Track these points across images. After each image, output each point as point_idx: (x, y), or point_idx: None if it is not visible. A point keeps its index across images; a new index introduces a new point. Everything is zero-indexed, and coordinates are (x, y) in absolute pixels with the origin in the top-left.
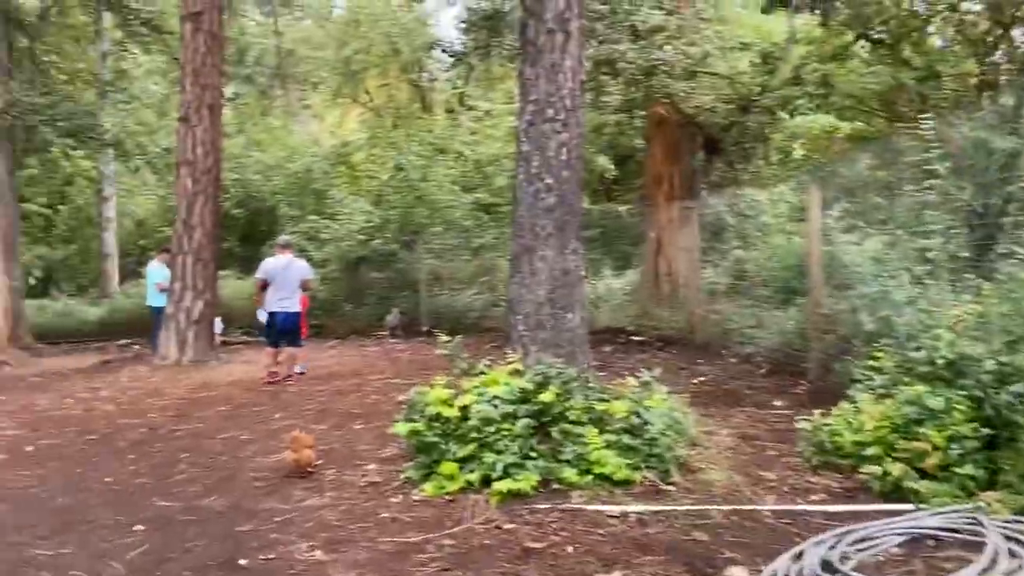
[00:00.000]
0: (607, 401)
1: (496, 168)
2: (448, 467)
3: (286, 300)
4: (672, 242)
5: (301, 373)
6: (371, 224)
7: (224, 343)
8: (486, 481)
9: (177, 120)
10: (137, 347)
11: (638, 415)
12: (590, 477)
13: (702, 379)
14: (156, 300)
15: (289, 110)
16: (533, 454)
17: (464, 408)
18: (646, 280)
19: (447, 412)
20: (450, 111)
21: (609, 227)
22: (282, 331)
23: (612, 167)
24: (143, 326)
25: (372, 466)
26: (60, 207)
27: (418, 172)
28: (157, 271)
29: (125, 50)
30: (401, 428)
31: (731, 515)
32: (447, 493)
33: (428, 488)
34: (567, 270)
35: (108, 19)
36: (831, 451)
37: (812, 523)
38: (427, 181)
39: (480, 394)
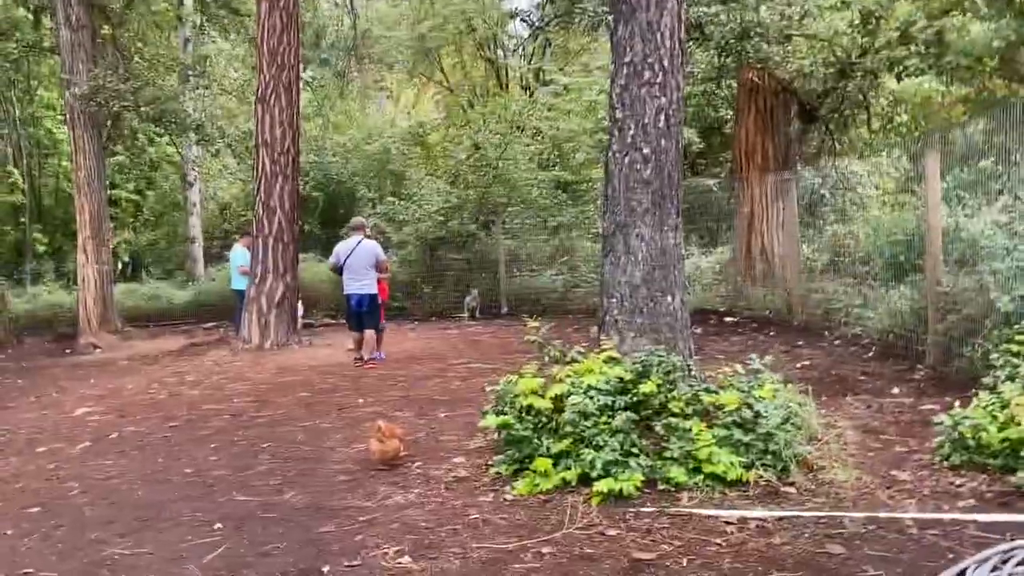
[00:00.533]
0: (714, 392)
1: (574, 145)
2: (542, 463)
3: (358, 281)
4: (766, 217)
5: (378, 359)
6: (449, 205)
7: (306, 326)
8: (584, 479)
9: (254, 101)
10: (222, 330)
11: (750, 406)
12: (700, 477)
13: (806, 363)
14: (239, 283)
15: (365, 91)
16: (635, 450)
17: (557, 399)
18: (738, 258)
19: (539, 404)
20: (526, 88)
21: (695, 203)
22: (358, 313)
23: (698, 140)
24: (228, 309)
25: (459, 459)
26: (148, 192)
27: (495, 151)
28: (240, 254)
29: (204, 32)
30: (490, 420)
31: (868, 523)
32: (541, 492)
33: (520, 486)
34: (666, 248)
35: (189, 5)
36: (974, 449)
37: (966, 535)
38: (504, 159)
39: (574, 384)
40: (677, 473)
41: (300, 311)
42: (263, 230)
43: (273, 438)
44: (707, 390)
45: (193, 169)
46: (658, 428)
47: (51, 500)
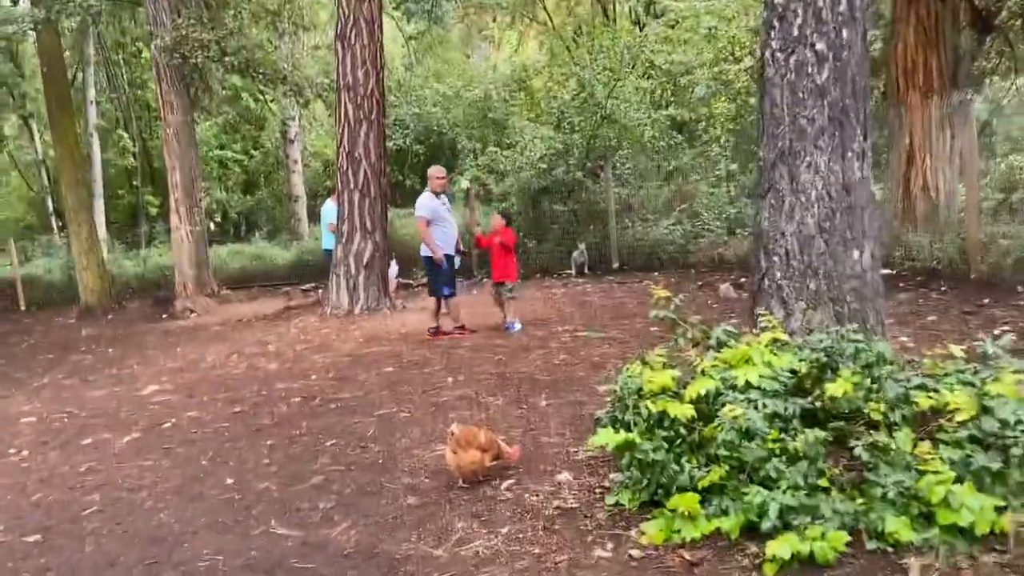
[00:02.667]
0: (931, 390)
1: (691, 79)
2: (684, 501)
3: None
4: (930, 149)
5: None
6: (553, 151)
7: (403, 287)
8: (749, 529)
9: (333, 39)
10: (321, 291)
11: (987, 411)
12: (933, 531)
13: (1004, 328)
14: (330, 242)
15: (466, 38)
16: (825, 484)
17: (702, 403)
18: (893, 199)
19: (676, 411)
20: (636, 22)
21: None
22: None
23: None
24: (328, 270)
25: (564, 475)
26: (253, 152)
27: (604, 89)
28: (330, 211)
29: None
30: (606, 437)
31: None
32: (683, 543)
33: (652, 531)
34: (850, 183)
35: None
36: None
37: None
38: (614, 99)
39: (724, 381)
40: (896, 525)
41: (394, 271)
42: (348, 184)
43: (340, 433)
44: (922, 387)
45: (295, 126)
46: (857, 449)
47: (58, 524)
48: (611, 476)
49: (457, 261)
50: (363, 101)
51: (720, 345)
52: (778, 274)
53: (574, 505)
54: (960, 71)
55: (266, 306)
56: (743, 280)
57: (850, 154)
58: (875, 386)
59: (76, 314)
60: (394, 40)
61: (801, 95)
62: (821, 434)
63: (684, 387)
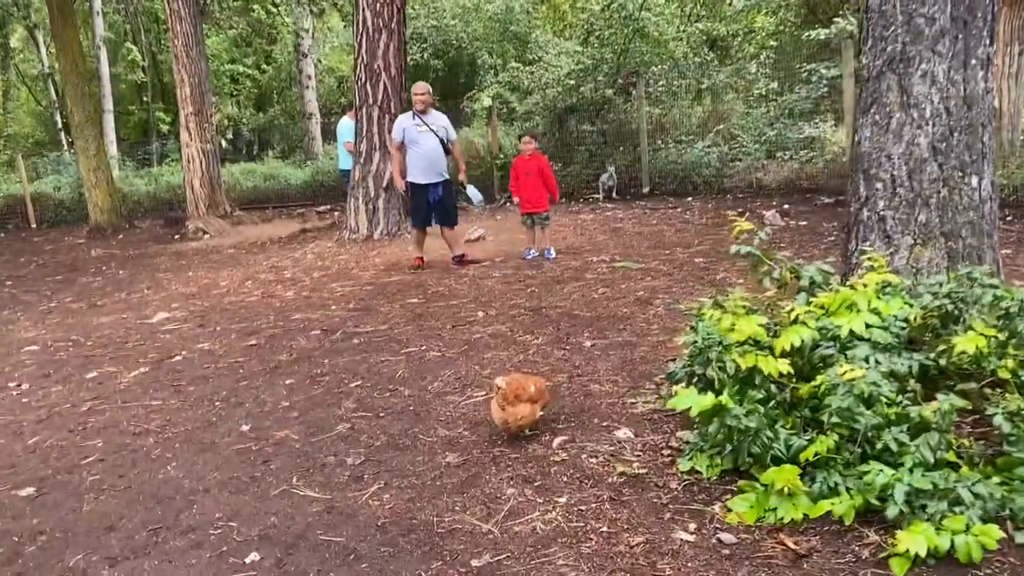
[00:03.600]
0: None
1: None
2: (783, 476)
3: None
4: (1010, 68)
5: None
6: (580, 67)
7: None
8: (867, 514)
9: None
10: (337, 213)
11: None
12: None
13: None
14: (347, 162)
15: None
16: (958, 462)
17: (794, 353)
18: None
19: (769, 368)
20: None
21: None
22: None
23: None
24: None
25: (623, 432)
26: (265, 67)
27: (636, 1)
28: (347, 128)
29: None
30: (687, 401)
31: None
32: (781, 523)
33: (741, 508)
34: (972, 97)
35: None
36: None
37: None
38: (647, 10)
39: (823, 331)
40: None
41: None
42: (366, 99)
43: (366, 372)
44: None
45: (305, 37)
46: (997, 418)
47: (55, 475)
48: (679, 435)
49: (440, 191)
50: (383, 8)
51: (814, 287)
52: (881, 204)
53: (641, 471)
54: None
55: (281, 228)
56: (787, 206)
57: (974, 61)
58: (1014, 341)
59: (86, 233)
60: None
61: None
62: (958, 402)
63: (773, 337)
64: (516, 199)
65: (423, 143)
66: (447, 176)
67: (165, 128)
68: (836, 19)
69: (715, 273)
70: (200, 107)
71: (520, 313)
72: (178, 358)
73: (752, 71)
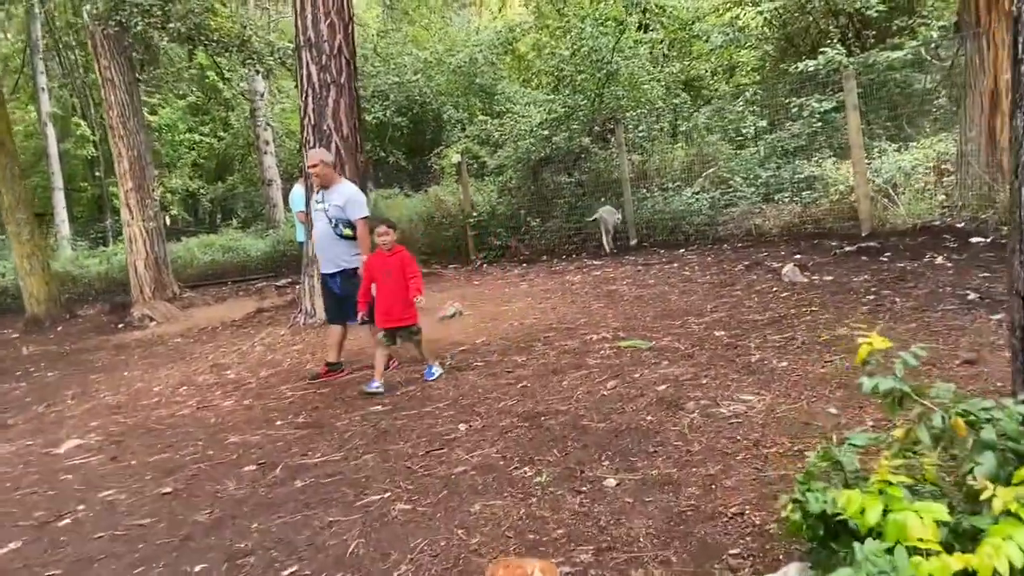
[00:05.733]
0: None
1: (703, 26)
2: None
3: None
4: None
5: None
6: (554, 116)
7: None
8: None
9: None
10: (299, 286)
11: None
12: None
13: None
14: (303, 234)
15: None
16: None
17: None
18: (974, 151)
19: None
20: None
21: (870, 85)
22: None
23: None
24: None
25: None
26: (222, 134)
27: (609, 40)
28: (299, 196)
29: None
30: None
31: None
32: None
33: None
34: None
35: None
36: None
37: None
38: (619, 52)
39: None
40: None
41: None
42: None
43: (306, 547)
44: None
45: (259, 100)
46: None
47: None
48: None
49: (338, 282)
50: (329, 61)
51: (1009, 444)
52: None
53: None
54: None
55: (235, 309)
56: (798, 256)
57: None
58: None
59: (22, 326)
60: (368, 7)
61: None
62: None
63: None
64: (362, 314)
65: (317, 224)
66: (344, 266)
67: (119, 203)
68: (823, 50)
69: (746, 352)
70: (140, 182)
71: (513, 424)
72: (68, 521)
73: (738, 108)
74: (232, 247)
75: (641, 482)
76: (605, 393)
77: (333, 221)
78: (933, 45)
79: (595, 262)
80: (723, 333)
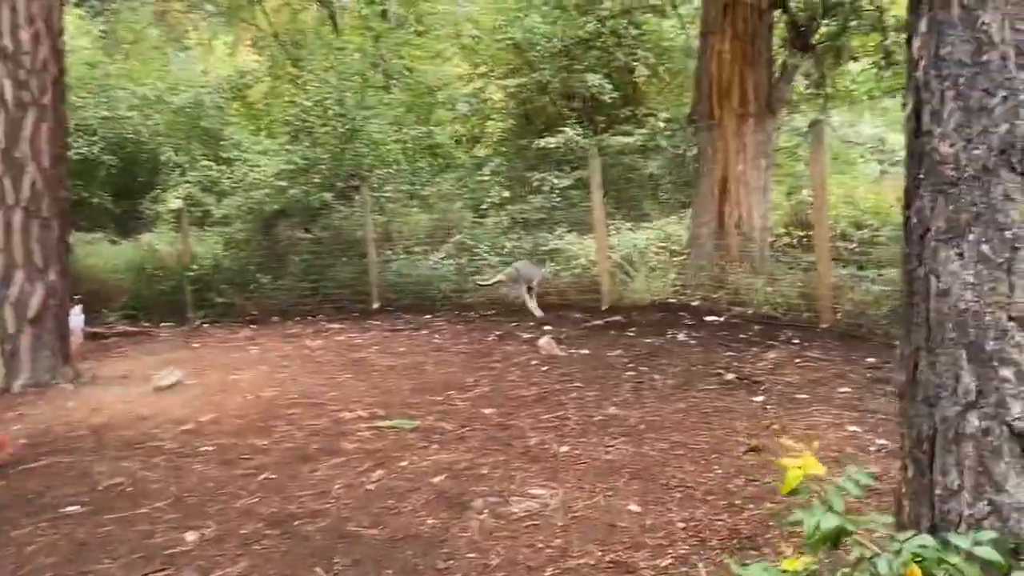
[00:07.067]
0: None
1: (448, 93)
2: None
3: None
4: (745, 179)
5: None
6: (291, 167)
7: (93, 336)
8: None
9: None
10: None
11: None
12: None
13: None
14: None
15: (171, 36)
16: None
17: None
18: (705, 234)
19: None
20: (370, 28)
21: (613, 165)
22: None
23: (608, 87)
24: None
25: None
26: None
27: (354, 96)
28: None
29: None
30: None
31: None
32: None
33: None
34: None
35: None
36: None
37: None
38: (364, 109)
39: None
40: None
41: (78, 321)
42: (4, 199)
43: None
44: None
45: None
46: None
47: None
48: None
49: None
50: (30, 77)
51: None
52: (1017, 407)
53: None
54: (774, 94)
55: None
56: (548, 328)
57: None
58: None
59: None
60: (77, 35)
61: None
62: None
63: None
64: None
65: None
66: None
67: None
68: (562, 129)
69: (522, 434)
70: None
71: (259, 532)
72: None
73: (485, 177)
74: None
75: None
76: (370, 487)
77: None
78: (668, 133)
79: (335, 325)
80: (492, 411)
